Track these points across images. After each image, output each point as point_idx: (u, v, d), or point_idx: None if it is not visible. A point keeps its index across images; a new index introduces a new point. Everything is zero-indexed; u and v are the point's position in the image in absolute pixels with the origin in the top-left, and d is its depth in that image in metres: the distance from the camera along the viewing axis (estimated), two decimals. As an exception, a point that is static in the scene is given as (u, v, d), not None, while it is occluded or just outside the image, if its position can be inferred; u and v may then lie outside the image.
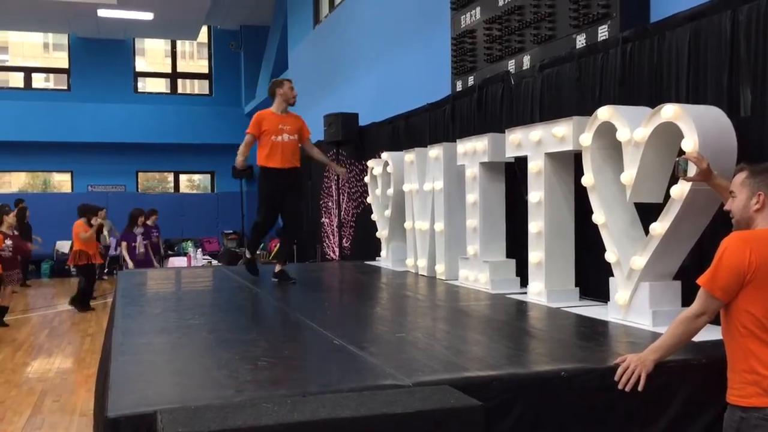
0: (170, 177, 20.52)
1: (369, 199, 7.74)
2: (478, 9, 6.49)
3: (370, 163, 7.54)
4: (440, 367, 2.86)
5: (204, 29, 19.10)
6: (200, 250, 12.99)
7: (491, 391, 2.60)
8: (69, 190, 18.86)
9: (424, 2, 8.13)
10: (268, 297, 5.16)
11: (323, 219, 11.57)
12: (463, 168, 5.59)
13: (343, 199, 10.32)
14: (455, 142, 5.75)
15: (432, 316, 4.50)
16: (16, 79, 18.93)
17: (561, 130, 4.41)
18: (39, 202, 15.81)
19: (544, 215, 4.59)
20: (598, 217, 4.10)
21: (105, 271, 15.01)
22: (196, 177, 21.29)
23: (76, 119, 17.67)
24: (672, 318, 2.83)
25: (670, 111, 3.49)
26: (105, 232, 13.75)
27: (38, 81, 19.27)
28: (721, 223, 3.28)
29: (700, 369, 2.87)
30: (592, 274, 4.59)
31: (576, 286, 4.68)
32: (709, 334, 2.87)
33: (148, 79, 20.17)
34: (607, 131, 4.01)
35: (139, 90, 19.62)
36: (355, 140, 9.61)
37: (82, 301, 11.25)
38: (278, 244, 9.30)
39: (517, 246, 5.31)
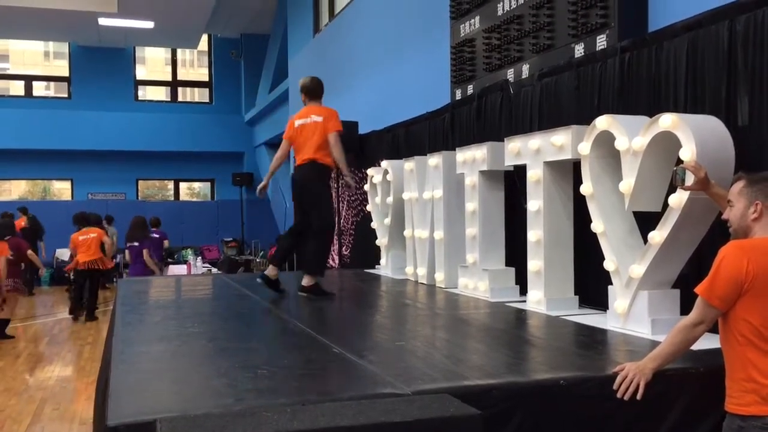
0: (170, 185, 20.56)
1: (368, 207, 7.75)
2: (477, 18, 6.52)
3: (370, 171, 7.56)
4: (440, 376, 2.86)
5: (204, 37, 19.16)
6: (200, 258, 13.01)
7: (491, 399, 2.60)
8: (69, 198, 18.89)
9: (423, 11, 8.16)
10: (268, 305, 5.17)
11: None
12: (463, 176, 5.60)
13: (342, 207, 10.32)
14: (455, 150, 5.77)
15: (431, 325, 4.50)
16: (17, 87, 18.98)
17: (560, 139, 4.43)
18: (39, 210, 15.79)
19: (543, 224, 4.61)
20: (596, 226, 4.11)
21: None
22: (196, 185, 21.32)
23: (77, 127, 17.71)
24: (671, 326, 2.84)
25: (668, 120, 3.51)
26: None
27: (39, 89, 19.32)
28: (719, 232, 3.30)
29: (699, 378, 2.87)
30: (591, 283, 4.60)
31: (575, 294, 4.69)
32: (708, 342, 2.87)
33: (149, 88, 20.22)
34: (605, 140, 4.02)
35: (139, 98, 19.67)
36: (355, 148, 9.59)
37: (94, 310, 11.32)
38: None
39: (516, 254, 5.33)
